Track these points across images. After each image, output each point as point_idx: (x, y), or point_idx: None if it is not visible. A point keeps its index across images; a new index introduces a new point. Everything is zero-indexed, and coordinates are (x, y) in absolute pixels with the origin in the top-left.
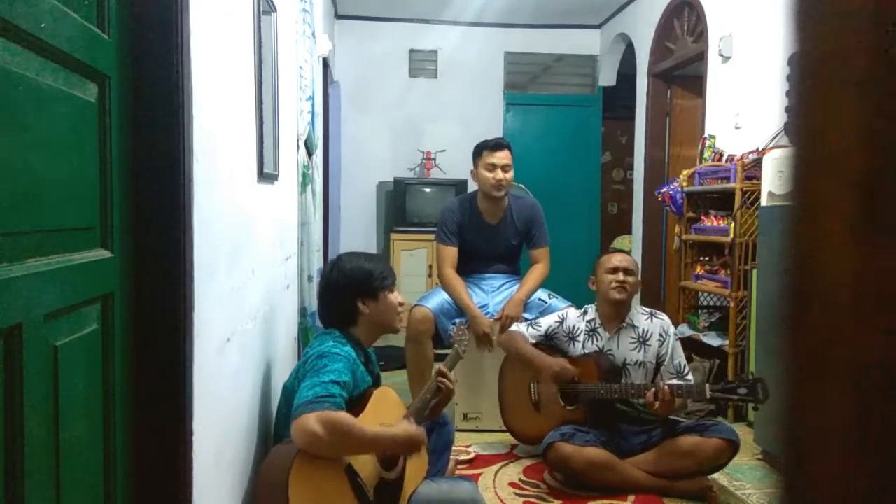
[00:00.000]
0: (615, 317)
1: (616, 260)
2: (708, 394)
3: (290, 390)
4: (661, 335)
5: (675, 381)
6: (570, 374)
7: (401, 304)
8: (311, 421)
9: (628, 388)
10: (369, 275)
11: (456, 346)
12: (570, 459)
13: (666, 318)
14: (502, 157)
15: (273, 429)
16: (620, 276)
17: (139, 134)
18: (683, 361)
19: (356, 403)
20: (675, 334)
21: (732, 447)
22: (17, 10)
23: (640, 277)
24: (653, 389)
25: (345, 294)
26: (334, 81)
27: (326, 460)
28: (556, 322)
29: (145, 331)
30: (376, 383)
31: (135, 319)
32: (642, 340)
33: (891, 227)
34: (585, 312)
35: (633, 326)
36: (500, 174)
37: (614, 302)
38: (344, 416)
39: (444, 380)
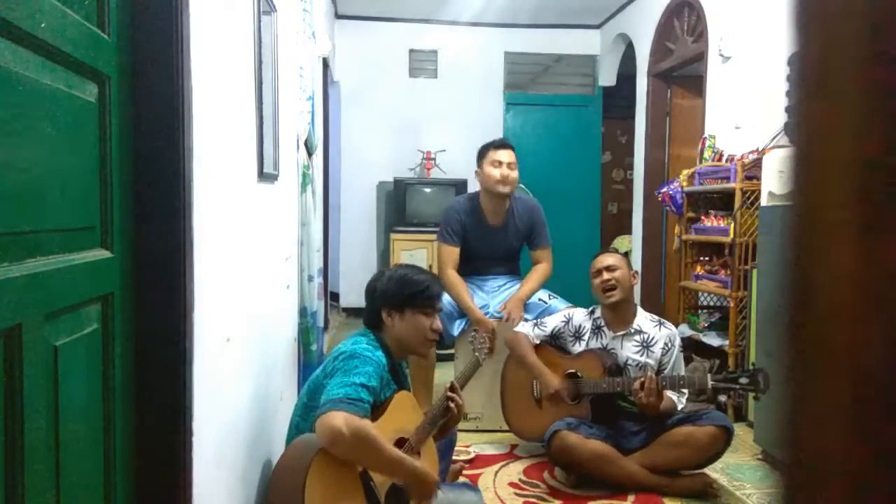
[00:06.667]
0: (620, 320)
1: (598, 263)
2: (709, 383)
3: (315, 384)
4: (666, 344)
5: (676, 373)
6: (565, 396)
7: (433, 330)
8: (339, 420)
9: (630, 381)
10: (403, 288)
11: (476, 353)
12: (574, 449)
13: (673, 328)
14: (508, 154)
15: (291, 419)
16: (605, 276)
17: (139, 134)
18: (683, 375)
19: (376, 408)
20: (681, 346)
21: (726, 433)
22: (17, 10)
23: (631, 270)
24: (640, 379)
25: (373, 298)
26: (334, 81)
27: (343, 462)
28: (562, 322)
29: (145, 331)
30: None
31: (135, 319)
32: (646, 345)
33: (891, 226)
34: (593, 311)
35: (640, 332)
36: (505, 170)
37: (611, 305)
38: (370, 426)
39: (454, 395)
